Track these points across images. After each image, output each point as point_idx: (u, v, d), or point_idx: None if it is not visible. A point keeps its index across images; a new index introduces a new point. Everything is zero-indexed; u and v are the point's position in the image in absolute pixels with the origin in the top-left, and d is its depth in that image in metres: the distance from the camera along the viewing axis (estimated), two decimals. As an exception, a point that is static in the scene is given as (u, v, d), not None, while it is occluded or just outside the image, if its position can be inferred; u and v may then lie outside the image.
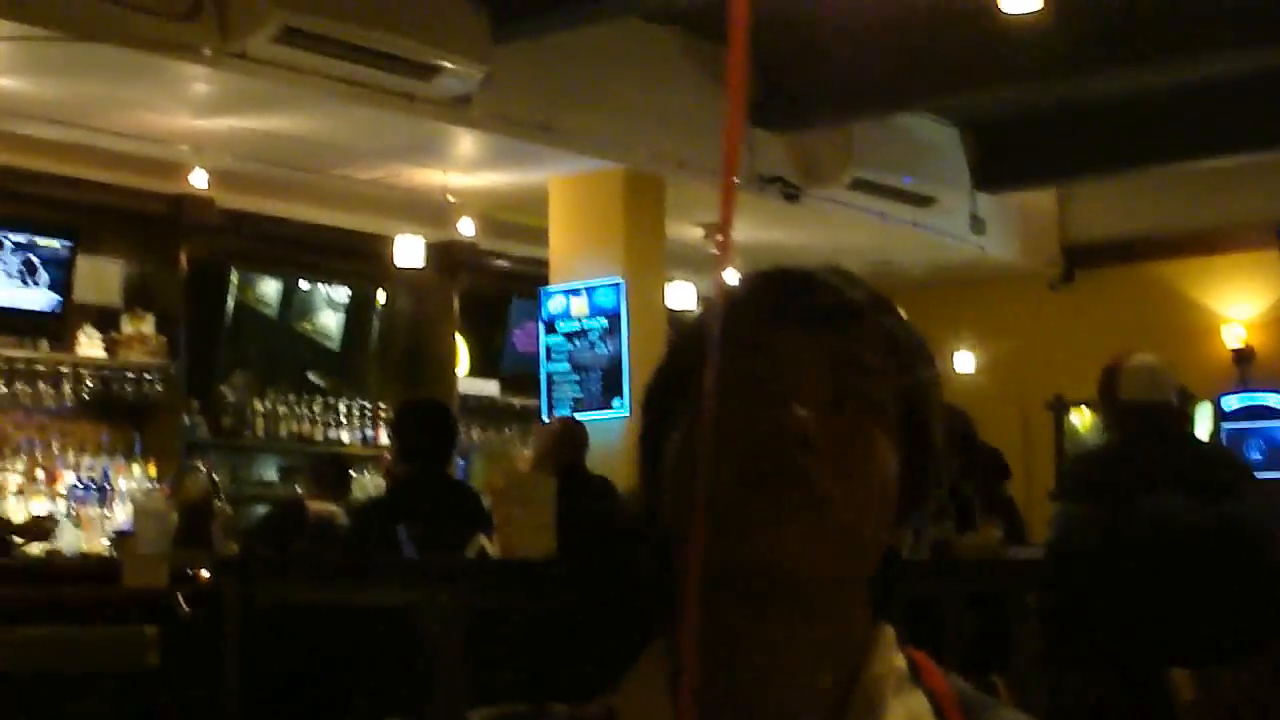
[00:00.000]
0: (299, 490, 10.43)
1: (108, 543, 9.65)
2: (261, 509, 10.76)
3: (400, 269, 12.07)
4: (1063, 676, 5.32)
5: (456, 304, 13.54)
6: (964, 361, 14.87)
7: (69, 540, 9.85)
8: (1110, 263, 14.62)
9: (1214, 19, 10.14)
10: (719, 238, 1.20)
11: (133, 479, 10.84)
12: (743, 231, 12.53)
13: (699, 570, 1.18)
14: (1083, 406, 14.51)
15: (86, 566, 8.72)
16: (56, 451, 10.88)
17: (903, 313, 1.45)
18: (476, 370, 13.90)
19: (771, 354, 1.36)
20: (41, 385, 10.94)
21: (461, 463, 12.69)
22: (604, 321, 11.24)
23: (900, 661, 1.39)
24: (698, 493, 1.22)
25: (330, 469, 9.66)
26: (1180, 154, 12.72)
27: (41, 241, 10.95)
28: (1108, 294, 14.54)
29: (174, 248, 11.72)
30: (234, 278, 12.57)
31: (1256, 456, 13.24)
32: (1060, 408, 14.77)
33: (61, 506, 10.44)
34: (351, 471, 10.18)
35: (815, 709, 1.34)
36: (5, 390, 10.71)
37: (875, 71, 11.14)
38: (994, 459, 9.25)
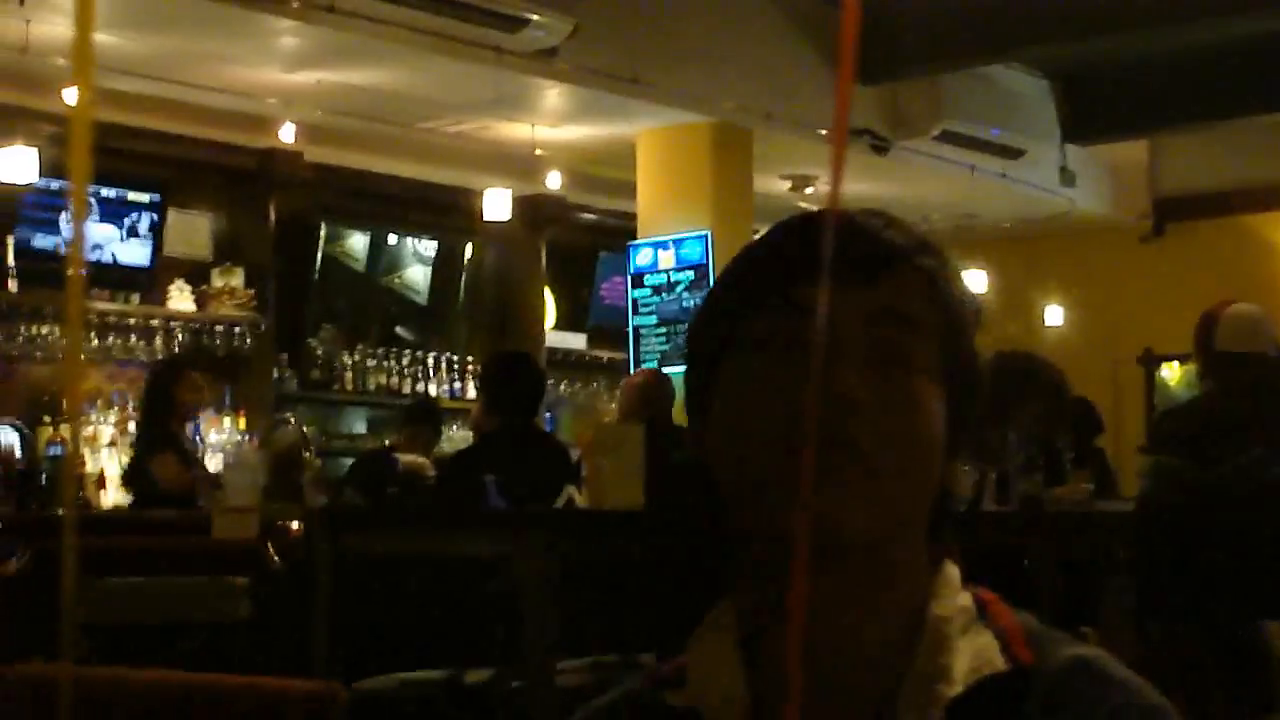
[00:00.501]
0: (388, 441, 10.48)
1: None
2: (350, 460, 10.81)
3: (488, 222, 12.09)
4: (1155, 630, 5.30)
5: (544, 257, 13.56)
6: (1054, 315, 14.79)
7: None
8: (1202, 215, 14.48)
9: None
10: (825, 189, 1.19)
11: (223, 431, 10.92)
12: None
13: (805, 549, 1.17)
14: (1173, 361, 14.41)
15: (177, 518, 8.79)
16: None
17: (942, 250, 1.44)
18: (564, 324, 13.93)
19: (812, 311, 1.33)
20: (133, 338, 11.05)
21: (549, 416, 12.71)
22: (691, 275, 11.23)
23: (966, 601, 1.40)
24: (803, 477, 1.18)
25: (421, 412, 9.73)
26: (1273, 104, 12.56)
27: (132, 196, 11.03)
28: (1199, 247, 14.40)
29: (263, 202, 11.80)
30: (322, 231, 12.61)
31: (1350, 411, 13.08)
32: (1151, 362, 14.67)
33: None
34: (442, 418, 10.20)
35: (884, 654, 1.35)
36: (98, 344, 10.80)
37: (964, 22, 11.05)
38: (1086, 412, 9.18)
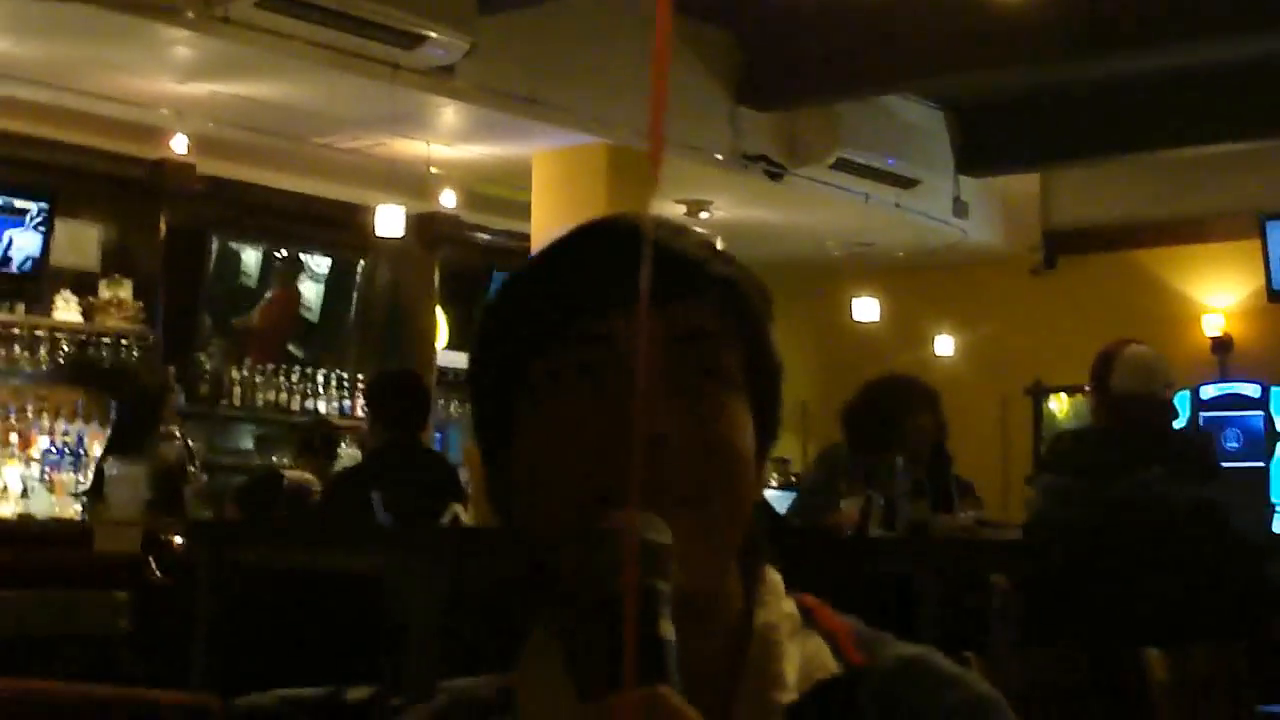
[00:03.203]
0: (275, 460, 10.39)
1: (80, 508, 9.62)
2: (237, 478, 10.69)
3: (381, 239, 12.00)
4: (1039, 655, 5.32)
5: (437, 276, 13.51)
6: (944, 345, 14.88)
7: (41, 504, 9.82)
8: (1092, 249, 14.62)
9: (1199, 6, 10.13)
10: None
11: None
12: (726, 209, 12.51)
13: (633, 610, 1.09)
14: (1061, 393, 14.54)
15: (58, 531, 8.68)
16: (31, 416, 10.81)
17: (730, 253, 1.38)
18: (456, 343, 13.86)
19: (610, 340, 1.28)
20: (17, 349, 10.90)
21: (439, 435, 12.65)
22: (584, 296, 11.19)
23: (790, 608, 1.37)
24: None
25: (316, 436, 9.61)
26: (1164, 142, 12.73)
27: (19, 203, 10.89)
28: (1089, 281, 14.54)
29: (153, 213, 11.68)
30: (214, 245, 12.50)
31: (1234, 445, 13.27)
32: (1039, 393, 14.78)
33: (35, 471, 10.39)
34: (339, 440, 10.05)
35: (714, 668, 1.31)
36: (-20, 353, 10.67)
37: (861, 53, 11.12)
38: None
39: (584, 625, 1.22)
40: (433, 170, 11.33)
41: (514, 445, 1.33)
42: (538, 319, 1.32)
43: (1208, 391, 13.80)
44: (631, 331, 1.25)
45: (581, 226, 1.36)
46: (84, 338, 11.23)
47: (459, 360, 13.67)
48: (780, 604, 1.36)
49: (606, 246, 1.31)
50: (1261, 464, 13.15)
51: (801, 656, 1.33)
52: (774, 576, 1.38)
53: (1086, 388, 6.15)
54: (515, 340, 1.33)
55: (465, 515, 5.76)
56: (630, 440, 1.15)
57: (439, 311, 13.62)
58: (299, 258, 13.02)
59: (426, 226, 12.90)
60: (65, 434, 10.75)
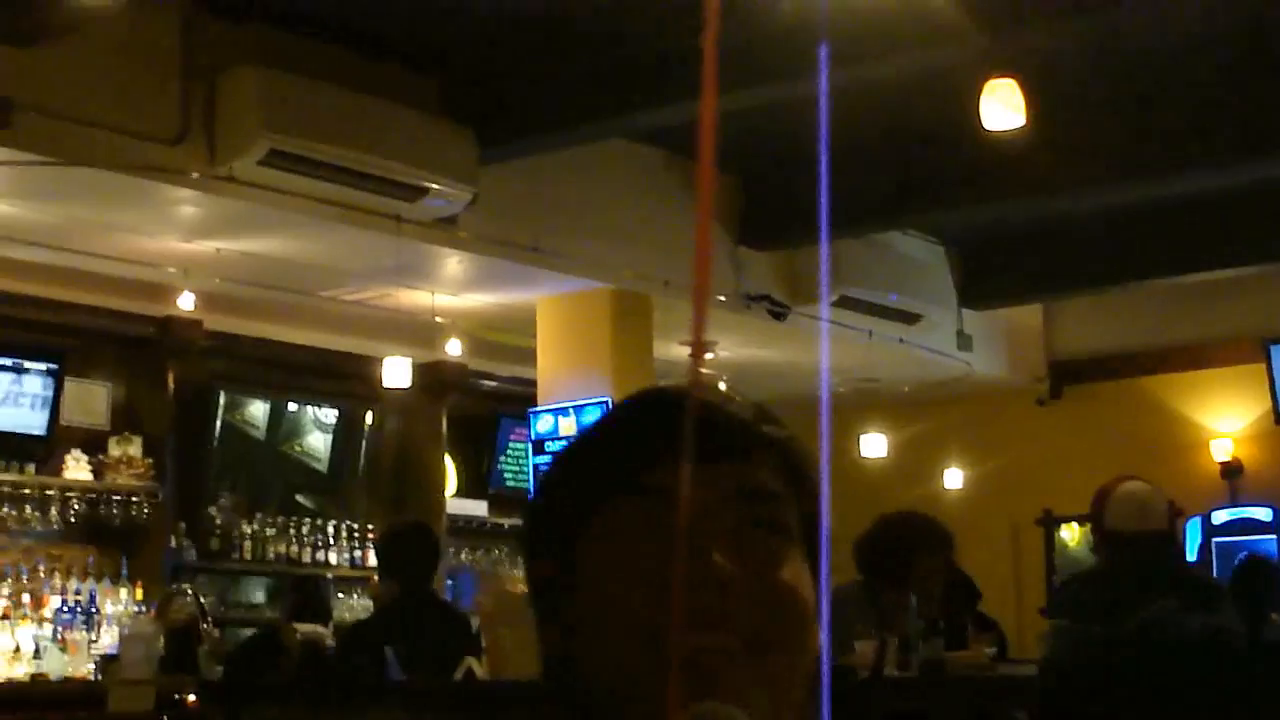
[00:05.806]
0: (278, 614, 10.33)
1: (93, 667, 9.58)
2: (247, 632, 10.64)
3: (388, 390, 12.03)
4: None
5: (445, 424, 13.53)
6: (953, 478, 14.86)
7: (54, 665, 9.79)
8: (1097, 378, 14.65)
9: (1193, 136, 10.21)
10: (693, 344, 1.17)
11: (119, 603, 10.78)
12: (730, 349, 12.55)
13: None
14: (1073, 522, 14.50)
15: (71, 692, 8.64)
16: (43, 575, 10.81)
17: (775, 413, 1.43)
18: (465, 491, 13.87)
19: (676, 496, 1.26)
20: (28, 509, 10.92)
21: (450, 583, 12.62)
22: (592, 441, 11.18)
23: None
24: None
25: (310, 596, 9.54)
26: (1164, 269, 12.78)
27: (29, 365, 10.95)
28: (1095, 409, 14.55)
29: (161, 370, 11.73)
30: (221, 399, 12.55)
31: (1247, 570, 13.20)
32: (1050, 523, 14.75)
33: (47, 631, 10.37)
34: (337, 595, 10.01)
35: None
36: (-8, 514, 10.68)
37: (860, 190, 11.18)
38: (963, 582, 9.22)
39: None
40: (438, 319, 11.38)
41: (577, 593, 1.35)
42: (603, 472, 1.37)
43: (1219, 517, 13.77)
44: (697, 486, 1.25)
45: (640, 394, 1.43)
46: (94, 496, 11.25)
47: (468, 508, 13.69)
48: None
49: (669, 410, 1.34)
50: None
51: None
52: None
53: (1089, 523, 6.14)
54: (579, 491, 1.38)
55: (480, 669, 5.74)
56: (698, 591, 1.21)
57: (447, 459, 13.63)
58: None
59: (433, 375, 12.94)
60: (77, 593, 10.74)
